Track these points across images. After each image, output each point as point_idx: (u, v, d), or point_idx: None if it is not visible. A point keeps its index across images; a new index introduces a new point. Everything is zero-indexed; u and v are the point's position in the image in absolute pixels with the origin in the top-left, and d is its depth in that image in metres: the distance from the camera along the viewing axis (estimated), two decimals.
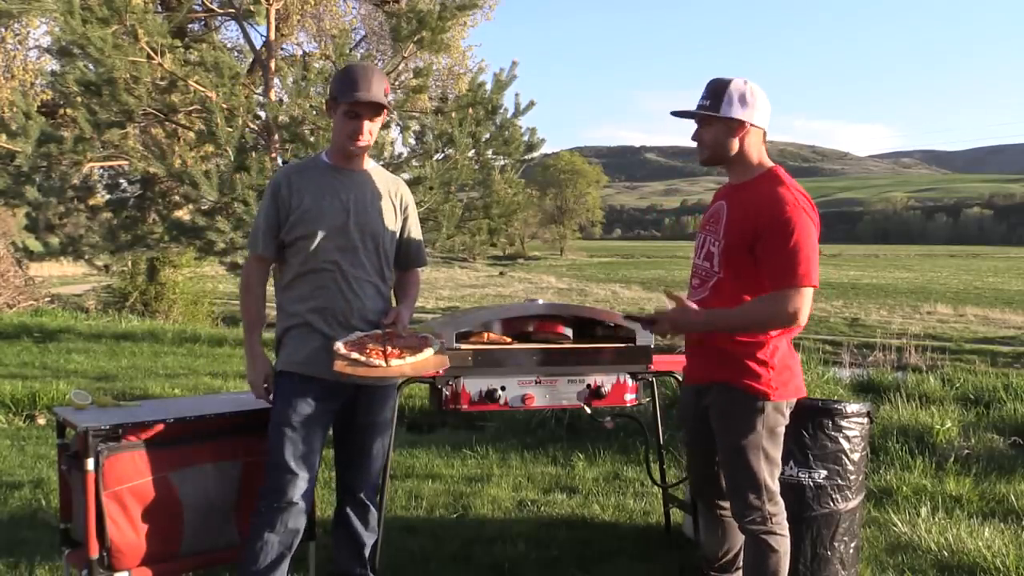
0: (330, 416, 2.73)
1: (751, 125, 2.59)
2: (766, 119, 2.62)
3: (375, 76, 2.65)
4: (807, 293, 2.48)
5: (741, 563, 3.03)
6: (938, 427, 5.40)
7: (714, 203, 2.79)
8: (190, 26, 13.26)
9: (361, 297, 2.73)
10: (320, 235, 2.66)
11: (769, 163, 2.66)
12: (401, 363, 2.61)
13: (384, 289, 2.83)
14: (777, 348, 2.61)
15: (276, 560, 2.66)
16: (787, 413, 2.69)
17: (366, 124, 2.66)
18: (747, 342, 2.60)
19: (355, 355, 2.56)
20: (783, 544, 2.71)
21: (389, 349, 2.62)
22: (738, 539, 2.94)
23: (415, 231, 2.93)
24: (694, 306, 2.64)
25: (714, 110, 2.58)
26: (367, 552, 2.90)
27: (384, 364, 2.57)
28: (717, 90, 2.58)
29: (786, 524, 2.74)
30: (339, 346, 2.58)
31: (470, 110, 8.27)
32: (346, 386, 2.70)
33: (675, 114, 2.68)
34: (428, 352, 2.70)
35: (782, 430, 2.70)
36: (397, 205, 2.85)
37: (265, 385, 2.75)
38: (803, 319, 2.48)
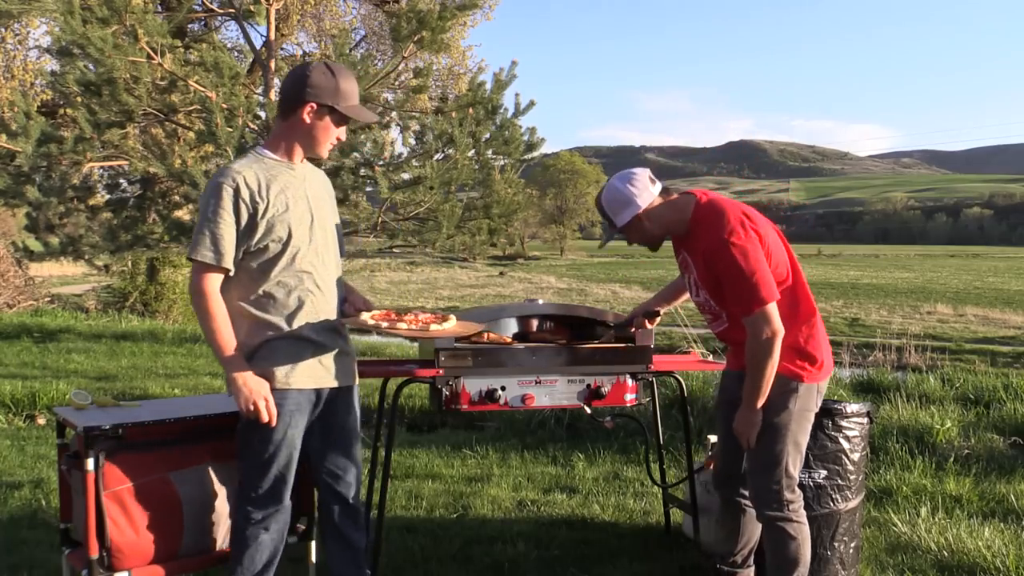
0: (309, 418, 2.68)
1: (642, 211, 2.75)
2: (648, 192, 2.76)
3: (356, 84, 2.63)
4: (771, 308, 2.62)
5: (752, 559, 3.06)
6: (938, 427, 5.40)
7: (677, 251, 2.94)
8: (190, 26, 13.28)
9: (335, 295, 2.69)
10: (295, 238, 2.55)
11: (689, 209, 2.78)
12: (440, 327, 2.77)
13: (342, 284, 2.77)
14: (809, 335, 2.76)
15: (270, 560, 2.66)
16: (818, 400, 2.82)
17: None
18: (791, 332, 2.72)
19: (384, 324, 2.65)
20: (801, 531, 2.78)
21: (423, 317, 2.73)
22: (756, 532, 2.97)
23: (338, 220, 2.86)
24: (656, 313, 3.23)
25: (614, 228, 2.82)
26: (362, 554, 2.88)
27: (424, 328, 2.69)
28: (602, 212, 2.83)
29: (803, 512, 2.81)
30: (365, 318, 2.64)
31: (470, 110, 8.27)
32: (324, 391, 2.66)
33: (603, 247, 3.12)
34: (452, 320, 2.88)
35: (812, 416, 2.82)
36: (332, 196, 2.80)
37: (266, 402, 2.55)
38: (780, 326, 2.64)
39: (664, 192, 2.80)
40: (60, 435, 2.91)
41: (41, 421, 6.51)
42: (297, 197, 2.58)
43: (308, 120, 2.56)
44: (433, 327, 2.78)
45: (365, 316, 2.66)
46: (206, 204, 2.51)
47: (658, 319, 3.30)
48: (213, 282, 2.50)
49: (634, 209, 2.74)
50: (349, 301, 2.75)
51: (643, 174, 2.79)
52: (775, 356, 2.63)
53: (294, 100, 2.56)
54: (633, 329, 3.31)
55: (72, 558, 2.78)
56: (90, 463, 2.55)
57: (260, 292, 2.55)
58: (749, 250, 2.61)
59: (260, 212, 2.50)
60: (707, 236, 2.69)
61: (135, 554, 2.63)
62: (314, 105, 2.54)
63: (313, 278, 2.60)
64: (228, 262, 2.49)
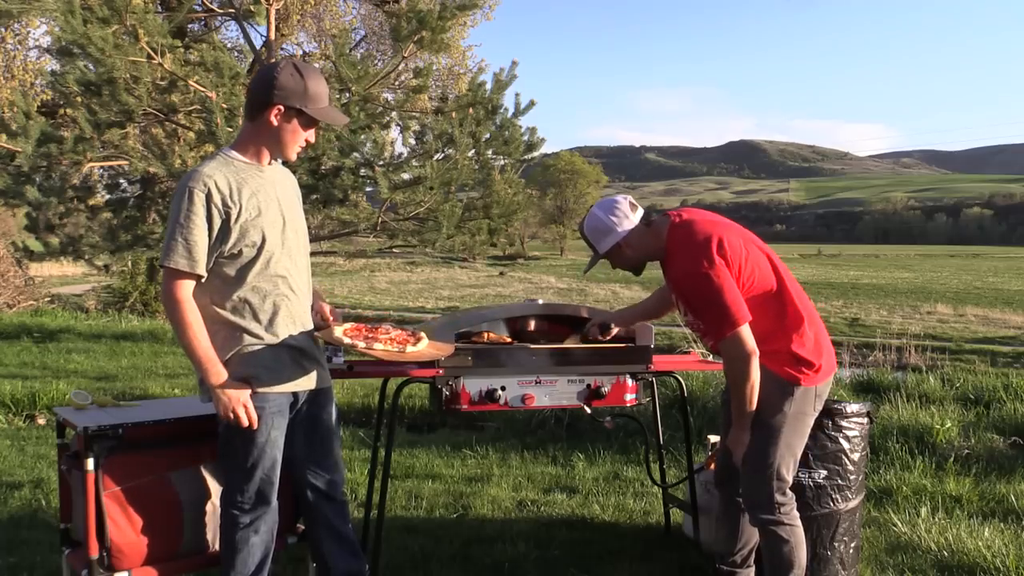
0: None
1: (623, 236, 2.82)
2: (628, 219, 2.83)
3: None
4: (743, 330, 2.65)
5: (752, 559, 3.07)
6: (938, 427, 5.40)
7: (664, 272, 2.98)
8: (190, 26, 13.29)
9: (308, 298, 2.69)
10: (269, 242, 2.53)
11: (664, 234, 2.83)
12: (416, 349, 2.81)
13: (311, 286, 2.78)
14: (800, 342, 2.76)
15: (262, 561, 2.66)
16: (816, 404, 2.82)
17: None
18: (780, 339, 2.76)
19: (361, 344, 2.66)
20: (795, 534, 2.79)
21: (395, 335, 2.76)
22: (755, 532, 2.98)
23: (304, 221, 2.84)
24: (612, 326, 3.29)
25: (597, 254, 2.90)
26: (357, 544, 2.87)
27: (401, 350, 2.74)
28: (586, 239, 2.91)
29: (796, 515, 2.82)
30: (340, 336, 2.64)
31: (470, 110, 8.27)
32: (301, 392, 2.66)
33: (586, 273, 3.16)
34: (424, 340, 2.94)
35: (810, 421, 2.83)
36: (299, 196, 2.78)
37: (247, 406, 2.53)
38: (754, 347, 2.67)
39: (645, 218, 2.86)
40: (60, 435, 2.92)
41: (41, 421, 6.51)
42: (268, 200, 2.55)
43: (275, 123, 2.51)
44: (409, 349, 2.84)
45: (339, 333, 2.66)
46: (177, 209, 2.44)
47: (611, 334, 3.34)
48: (187, 289, 2.45)
49: (615, 237, 2.83)
50: (315, 308, 2.76)
51: (624, 202, 2.86)
52: (753, 376, 2.68)
53: (261, 102, 2.50)
54: (589, 338, 3.35)
55: (72, 558, 2.78)
56: (90, 463, 2.55)
57: (235, 298, 2.52)
58: (713, 277, 2.66)
59: (233, 217, 2.46)
60: (676, 266, 2.77)
61: (135, 554, 2.63)
62: (281, 108, 2.49)
63: (288, 282, 2.59)
64: (202, 268, 2.45)
